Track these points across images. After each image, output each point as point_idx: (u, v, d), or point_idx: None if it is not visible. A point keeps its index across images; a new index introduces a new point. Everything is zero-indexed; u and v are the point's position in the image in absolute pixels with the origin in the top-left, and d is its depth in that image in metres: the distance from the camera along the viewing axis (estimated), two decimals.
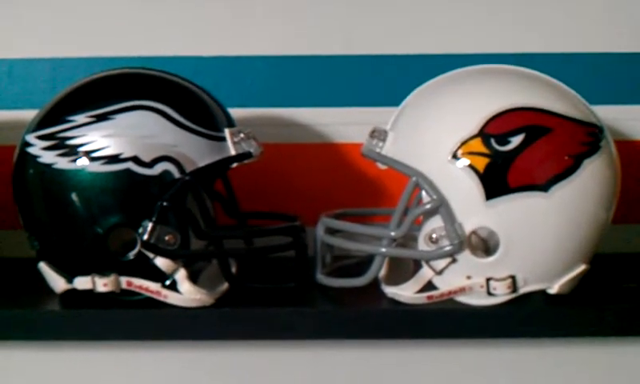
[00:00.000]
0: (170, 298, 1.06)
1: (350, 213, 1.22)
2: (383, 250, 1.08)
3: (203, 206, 1.07)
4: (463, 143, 1.03)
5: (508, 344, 1.24)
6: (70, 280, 1.08)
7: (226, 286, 1.09)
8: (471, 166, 1.03)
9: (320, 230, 1.14)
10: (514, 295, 1.06)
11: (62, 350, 1.24)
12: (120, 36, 1.33)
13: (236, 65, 1.33)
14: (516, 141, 1.02)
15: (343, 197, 1.31)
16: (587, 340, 1.21)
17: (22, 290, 1.16)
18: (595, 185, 1.04)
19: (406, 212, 1.08)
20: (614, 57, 1.33)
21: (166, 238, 1.05)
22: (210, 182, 1.17)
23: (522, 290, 1.06)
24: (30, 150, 1.06)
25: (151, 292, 1.06)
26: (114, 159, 1.03)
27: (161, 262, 1.05)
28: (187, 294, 1.06)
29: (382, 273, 1.10)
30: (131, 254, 1.05)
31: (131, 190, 1.04)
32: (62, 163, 1.04)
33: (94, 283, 1.06)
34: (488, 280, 1.05)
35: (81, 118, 1.04)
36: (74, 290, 1.08)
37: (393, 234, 1.07)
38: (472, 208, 1.03)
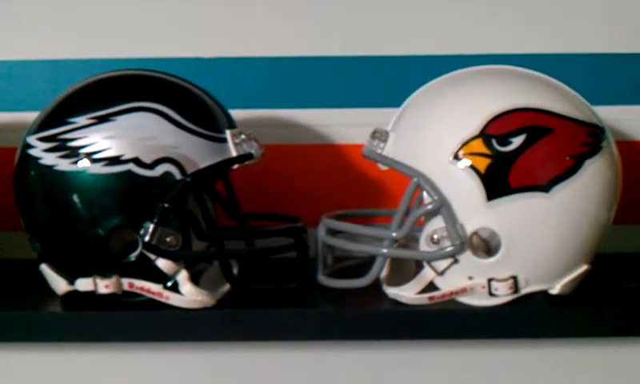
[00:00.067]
0: (172, 299, 1.06)
1: (352, 214, 1.22)
2: (384, 250, 1.08)
3: (204, 207, 1.07)
4: (464, 144, 1.03)
5: (509, 344, 1.24)
6: (71, 281, 1.08)
7: (227, 287, 1.10)
8: (472, 167, 1.03)
9: (321, 231, 1.14)
10: (515, 296, 1.06)
11: (64, 351, 1.24)
12: (120, 37, 1.32)
13: (236, 66, 1.33)
14: (517, 141, 1.02)
15: (344, 198, 1.31)
16: (588, 340, 1.21)
17: (23, 291, 1.16)
18: (596, 185, 1.04)
19: (407, 213, 1.08)
20: (615, 57, 1.33)
21: (168, 239, 1.05)
22: (211, 184, 1.17)
23: (524, 291, 1.06)
24: (32, 151, 1.06)
25: (153, 293, 1.07)
26: (115, 161, 1.03)
27: (162, 264, 1.05)
28: (189, 295, 1.06)
29: (384, 274, 1.10)
30: (133, 256, 1.05)
31: (132, 191, 1.04)
32: (64, 165, 1.04)
33: (95, 285, 1.07)
34: (489, 281, 1.05)
35: (82, 120, 1.04)
36: (76, 292, 1.08)
37: (394, 234, 1.07)
38: (473, 209, 1.03)
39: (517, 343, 1.23)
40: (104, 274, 1.06)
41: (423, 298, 1.07)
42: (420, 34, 1.34)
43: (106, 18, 1.33)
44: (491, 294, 1.06)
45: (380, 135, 1.10)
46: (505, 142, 1.02)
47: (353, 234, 1.14)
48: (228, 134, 1.09)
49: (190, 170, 1.05)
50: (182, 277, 1.06)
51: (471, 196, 1.03)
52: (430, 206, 1.04)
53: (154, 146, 1.04)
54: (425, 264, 1.07)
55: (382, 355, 1.27)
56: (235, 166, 1.10)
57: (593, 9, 1.33)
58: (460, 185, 1.03)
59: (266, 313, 1.07)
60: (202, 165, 1.06)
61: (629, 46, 1.33)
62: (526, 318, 1.07)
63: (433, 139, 1.06)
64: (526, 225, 1.03)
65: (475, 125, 1.03)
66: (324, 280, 1.13)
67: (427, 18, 1.34)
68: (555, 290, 1.07)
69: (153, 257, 1.05)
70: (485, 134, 1.03)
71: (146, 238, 1.04)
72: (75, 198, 1.04)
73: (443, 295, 1.07)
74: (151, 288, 1.06)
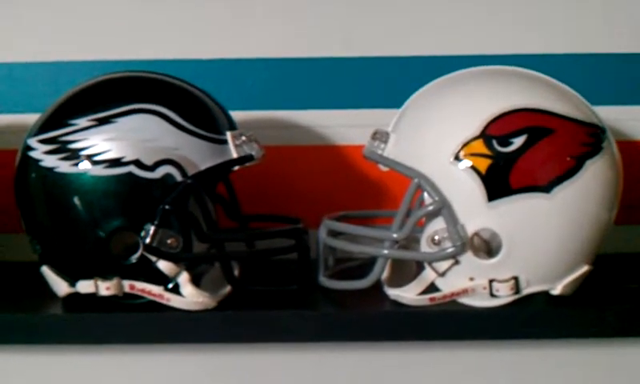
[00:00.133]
0: (173, 301, 1.06)
1: (352, 215, 1.22)
2: (385, 251, 1.08)
3: (205, 209, 1.07)
4: (465, 145, 1.03)
5: (511, 345, 1.24)
6: (72, 284, 1.08)
7: (228, 288, 1.10)
8: (473, 168, 1.03)
9: (322, 233, 1.14)
10: (516, 296, 1.06)
11: (65, 353, 1.24)
12: (121, 39, 1.32)
13: (237, 67, 1.33)
14: (518, 142, 1.02)
15: (345, 199, 1.31)
16: (589, 341, 1.21)
17: (24, 293, 1.16)
18: (597, 185, 1.04)
19: (408, 214, 1.08)
20: (615, 57, 1.33)
21: (169, 241, 1.05)
22: (211, 185, 1.17)
23: (525, 292, 1.06)
24: (32, 153, 1.06)
25: (154, 295, 1.07)
26: (115, 163, 1.03)
27: (163, 266, 1.05)
28: (190, 297, 1.06)
29: (385, 275, 1.10)
30: (134, 258, 1.05)
31: (133, 193, 1.04)
32: (64, 167, 1.04)
33: (96, 287, 1.06)
34: (491, 281, 1.05)
35: (83, 122, 1.04)
36: (77, 294, 1.08)
37: (395, 235, 1.07)
38: (474, 209, 1.03)
39: (518, 344, 1.23)
40: (105, 276, 1.06)
41: (424, 299, 1.07)
42: (420, 34, 1.34)
43: (107, 19, 1.33)
44: (492, 295, 1.06)
45: (381, 136, 1.10)
46: (505, 142, 1.02)
47: (354, 235, 1.14)
48: (228, 135, 1.09)
49: (190, 171, 1.05)
50: (183, 278, 1.06)
51: (472, 197, 1.03)
52: (430, 207, 1.04)
53: (154, 147, 1.04)
54: (426, 265, 1.07)
55: (383, 356, 1.27)
56: (236, 168, 1.10)
57: (593, 9, 1.33)
58: (461, 186, 1.03)
59: (267, 314, 1.07)
60: (203, 166, 1.06)
61: (629, 46, 1.33)
62: (528, 319, 1.07)
63: (433, 140, 1.06)
64: (527, 225, 1.03)
65: (476, 125, 1.03)
66: (325, 281, 1.13)
67: (427, 17, 1.34)
68: (556, 290, 1.07)
69: (154, 259, 1.05)
70: (485, 135, 1.03)
71: (147, 240, 1.04)
72: (76, 200, 1.04)
73: (444, 296, 1.07)
74: (152, 290, 1.06)
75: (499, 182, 1.02)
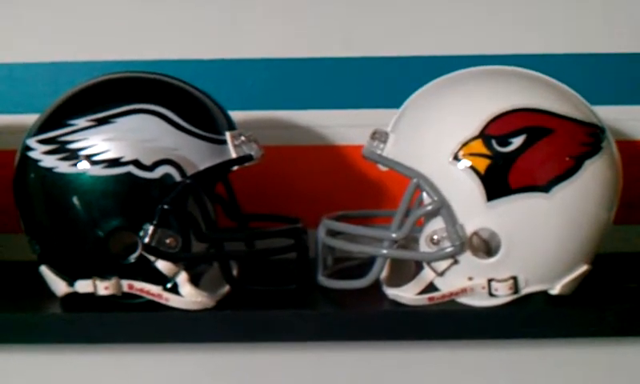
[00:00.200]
0: (172, 300, 1.06)
1: (352, 215, 1.22)
2: (384, 251, 1.08)
3: (204, 208, 1.07)
4: (464, 144, 1.03)
5: (510, 345, 1.24)
6: (71, 283, 1.08)
7: (227, 288, 1.10)
8: (472, 168, 1.03)
9: (321, 232, 1.14)
10: (515, 296, 1.06)
11: (64, 353, 1.24)
12: (120, 39, 1.32)
13: (236, 67, 1.33)
14: (517, 142, 1.02)
15: (344, 199, 1.31)
16: (588, 340, 1.21)
17: (23, 293, 1.16)
18: (596, 185, 1.04)
19: (407, 213, 1.08)
20: (614, 57, 1.33)
21: (167, 240, 1.05)
22: (210, 185, 1.17)
23: (524, 291, 1.06)
24: (31, 154, 1.06)
25: (152, 295, 1.07)
26: (114, 163, 1.03)
27: (162, 265, 1.05)
28: (188, 296, 1.06)
29: (384, 274, 1.10)
30: (132, 257, 1.05)
31: (132, 193, 1.04)
32: (63, 167, 1.04)
33: (95, 286, 1.07)
34: (489, 281, 1.05)
35: (81, 122, 1.04)
36: (75, 294, 1.08)
37: (394, 235, 1.07)
38: (473, 209, 1.03)
39: (517, 343, 1.23)
40: (104, 276, 1.06)
41: (423, 299, 1.07)
42: (420, 34, 1.34)
43: (107, 19, 1.33)
44: (491, 295, 1.06)
45: (380, 136, 1.10)
46: (505, 142, 1.02)
47: (353, 234, 1.14)
48: (228, 135, 1.09)
49: (189, 171, 1.05)
50: (182, 278, 1.06)
51: (471, 196, 1.03)
52: (429, 207, 1.04)
53: (153, 147, 1.04)
54: (425, 265, 1.07)
55: (382, 356, 1.27)
56: (235, 168, 1.10)
57: (593, 9, 1.33)
58: (460, 185, 1.03)
59: (265, 314, 1.07)
60: (202, 166, 1.06)
61: (629, 46, 1.33)
62: (526, 319, 1.07)
63: (433, 140, 1.06)
64: (526, 225, 1.03)
65: (475, 125, 1.03)
66: (324, 281, 1.13)
67: (427, 17, 1.34)
68: (555, 290, 1.07)
69: (152, 258, 1.05)
70: (484, 135, 1.03)
71: (146, 240, 1.04)
72: (75, 200, 1.04)
73: (443, 296, 1.07)
74: (151, 289, 1.06)
75: (498, 181, 1.02)
